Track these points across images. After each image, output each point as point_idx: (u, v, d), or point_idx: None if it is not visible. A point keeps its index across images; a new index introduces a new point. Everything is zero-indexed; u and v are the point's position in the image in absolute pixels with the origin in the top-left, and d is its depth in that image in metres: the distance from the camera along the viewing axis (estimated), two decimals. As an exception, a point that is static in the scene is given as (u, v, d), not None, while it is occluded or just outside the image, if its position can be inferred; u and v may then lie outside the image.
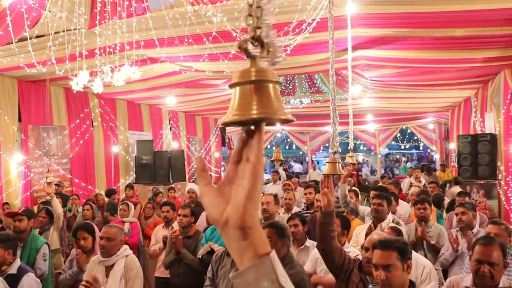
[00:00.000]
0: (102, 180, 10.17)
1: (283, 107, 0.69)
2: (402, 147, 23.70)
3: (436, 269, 3.61)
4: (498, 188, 7.91)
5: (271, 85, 0.69)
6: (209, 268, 3.58)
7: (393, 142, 22.62)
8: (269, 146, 22.72)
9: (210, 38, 5.53)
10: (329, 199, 2.83)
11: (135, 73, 4.93)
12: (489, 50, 6.63)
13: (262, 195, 5.05)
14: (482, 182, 8.17)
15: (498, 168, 8.05)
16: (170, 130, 13.44)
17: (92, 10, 5.25)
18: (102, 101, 10.20)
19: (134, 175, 10.91)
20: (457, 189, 8.43)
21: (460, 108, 12.11)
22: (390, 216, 4.51)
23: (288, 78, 13.92)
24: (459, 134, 10.96)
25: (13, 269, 3.57)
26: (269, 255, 0.65)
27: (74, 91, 5.29)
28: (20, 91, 8.04)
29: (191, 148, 14.34)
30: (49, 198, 5.39)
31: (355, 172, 9.74)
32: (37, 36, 5.36)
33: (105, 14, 5.07)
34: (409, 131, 21.36)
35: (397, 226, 3.79)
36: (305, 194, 6.09)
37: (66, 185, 8.94)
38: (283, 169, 10.72)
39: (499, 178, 7.94)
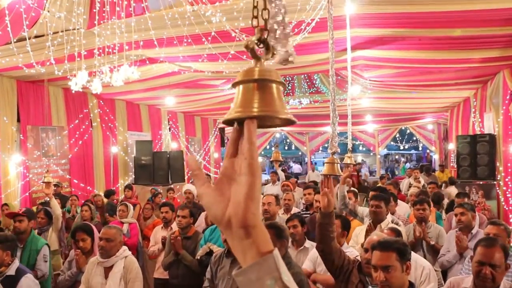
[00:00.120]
0: (101, 181, 10.16)
1: (285, 107, 0.69)
2: (401, 147, 23.70)
3: (435, 270, 3.60)
4: (497, 188, 7.91)
5: (274, 85, 0.69)
6: (208, 269, 3.57)
7: (392, 143, 22.62)
8: (268, 147, 22.70)
9: (209, 38, 5.52)
10: (329, 200, 2.83)
11: (134, 73, 4.92)
12: (488, 50, 6.63)
13: (263, 195, 5.05)
14: (481, 182, 8.17)
15: (497, 168, 8.05)
16: (169, 131, 13.42)
17: (91, 10, 5.24)
18: (101, 101, 10.19)
19: (133, 176, 10.89)
20: (452, 189, 8.49)
21: (459, 109, 12.12)
22: (389, 217, 4.50)
23: (287, 79, 13.92)
24: (458, 134, 10.97)
25: (11, 271, 3.55)
26: (272, 253, 0.64)
27: (73, 91, 5.28)
28: (19, 92, 8.03)
29: (190, 149, 14.33)
30: (48, 199, 5.37)
31: (356, 173, 9.75)
32: (36, 36, 5.35)
33: (104, 14, 5.06)
34: (408, 131, 21.36)
35: (397, 227, 3.78)
36: (304, 194, 6.09)
37: (65, 186, 8.93)
38: (282, 170, 10.72)
39: (498, 178, 7.94)
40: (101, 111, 10.24)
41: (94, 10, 5.12)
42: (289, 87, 14.63)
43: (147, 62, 6.89)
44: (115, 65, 5.26)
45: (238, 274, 0.65)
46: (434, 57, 7.30)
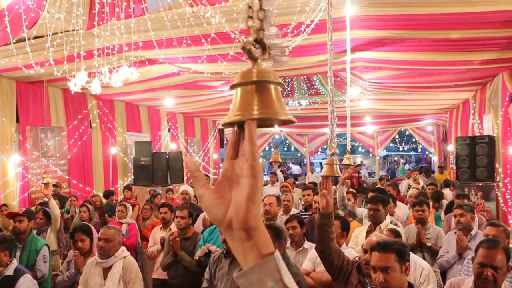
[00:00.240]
0: (100, 182, 10.15)
1: (284, 108, 0.69)
2: (401, 149, 23.67)
3: (434, 271, 3.60)
4: (496, 190, 7.91)
5: (272, 86, 0.69)
6: (207, 269, 3.57)
7: (391, 144, 22.60)
8: (267, 148, 22.69)
9: (208, 40, 5.52)
10: (327, 201, 2.83)
11: (133, 74, 4.92)
12: (487, 52, 6.64)
13: (263, 197, 5.04)
14: (480, 184, 8.17)
15: (496, 170, 8.06)
16: (169, 132, 13.42)
17: (90, 11, 5.23)
18: (100, 102, 10.19)
19: (132, 177, 10.88)
20: (446, 191, 8.57)
21: (458, 110, 12.13)
22: (388, 218, 4.51)
23: (287, 80, 13.93)
24: (457, 136, 10.97)
25: (9, 271, 3.55)
26: (273, 255, 0.64)
27: (72, 92, 5.27)
28: (18, 92, 8.02)
29: (190, 150, 14.33)
30: (47, 199, 5.37)
31: (357, 175, 9.75)
32: (35, 37, 5.35)
33: (103, 15, 5.06)
34: (407, 133, 21.34)
35: (396, 228, 3.79)
36: (304, 195, 6.08)
37: (64, 186, 8.92)
38: (281, 171, 10.72)
39: (497, 180, 7.94)
40: (100, 112, 10.23)
41: (94, 11, 5.12)
42: (289, 89, 14.64)
43: (147, 63, 6.89)
44: (114, 66, 5.26)
45: (239, 276, 0.64)
46: (434, 59, 7.31)
